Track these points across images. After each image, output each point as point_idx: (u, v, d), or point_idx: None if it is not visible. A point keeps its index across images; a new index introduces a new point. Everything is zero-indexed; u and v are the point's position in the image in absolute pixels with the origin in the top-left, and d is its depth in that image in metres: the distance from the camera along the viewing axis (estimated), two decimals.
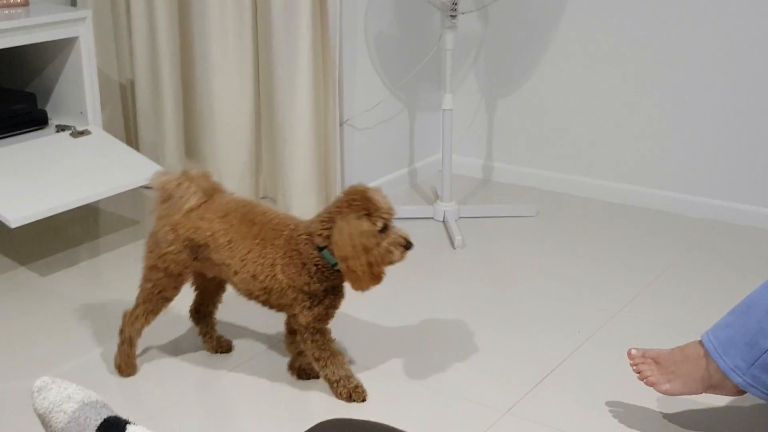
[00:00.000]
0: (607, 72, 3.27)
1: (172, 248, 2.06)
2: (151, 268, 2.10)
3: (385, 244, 1.96)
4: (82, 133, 2.95)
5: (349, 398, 2.09)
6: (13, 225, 2.48)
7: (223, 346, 2.29)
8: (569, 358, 2.27)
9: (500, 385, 2.16)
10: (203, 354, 2.29)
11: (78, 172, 2.80)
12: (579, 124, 3.38)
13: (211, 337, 2.29)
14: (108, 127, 3.26)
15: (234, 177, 3.33)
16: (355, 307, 2.58)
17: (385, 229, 1.96)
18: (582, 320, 2.46)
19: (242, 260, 2.02)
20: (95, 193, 2.75)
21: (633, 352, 1.94)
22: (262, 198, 3.40)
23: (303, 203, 3.16)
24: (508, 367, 2.24)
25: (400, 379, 2.19)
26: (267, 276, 2.01)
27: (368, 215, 1.95)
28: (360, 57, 3.22)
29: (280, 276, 2.00)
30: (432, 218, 3.19)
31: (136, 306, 2.14)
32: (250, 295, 2.07)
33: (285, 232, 2.02)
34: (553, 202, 3.35)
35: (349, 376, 2.10)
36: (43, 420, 1.45)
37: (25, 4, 2.95)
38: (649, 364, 1.91)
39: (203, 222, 2.05)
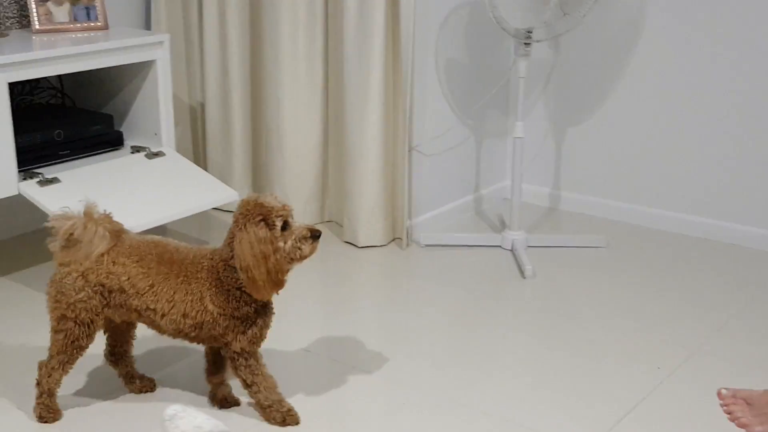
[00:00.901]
0: (681, 103, 3.23)
1: (81, 295, 1.97)
2: (60, 319, 2.00)
3: (290, 242, 1.95)
4: (156, 155, 2.97)
5: (283, 422, 2.07)
6: None
7: (146, 386, 2.21)
8: (650, 396, 2.22)
9: (577, 422, 2.12)
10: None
11: (153, 193, 2.82)
12: (652, 154, 3.33)
13: (132, 377, 2.21)
14: (177, 148, 3.29)
15: (300, 200, 3.34)
16: (423, 333, 2.57)
17: (285, 227, 1.95)
18: (660, 356, 2.41)
19: (169, 302, 1.97)
20: (170, 214, 2.77)
21: (723, 392, 1.89)
22: (327, 222, 3.40)
23: (369, 228, 3.15)
24: (584, 403, 2.20)
25: (473, 412, 2.16)
26: (198, 311, 1.97)
27: (264, 220, 1.94)
28: (429, 83, 3.21)
29: (210, 307, 1.97)
30: (499, 246, 3.16)
31: (51, 358, 2.04)
32: (178, 333, 2.02)
33: (204, 263, 1.99)
34: (624, 233, 3.31)
35: (281, 400, 2.09)
36: None
37: (105, 27, 2.99)
38: (740, 405, 1.86)
39: (116, 267, 1.99)
